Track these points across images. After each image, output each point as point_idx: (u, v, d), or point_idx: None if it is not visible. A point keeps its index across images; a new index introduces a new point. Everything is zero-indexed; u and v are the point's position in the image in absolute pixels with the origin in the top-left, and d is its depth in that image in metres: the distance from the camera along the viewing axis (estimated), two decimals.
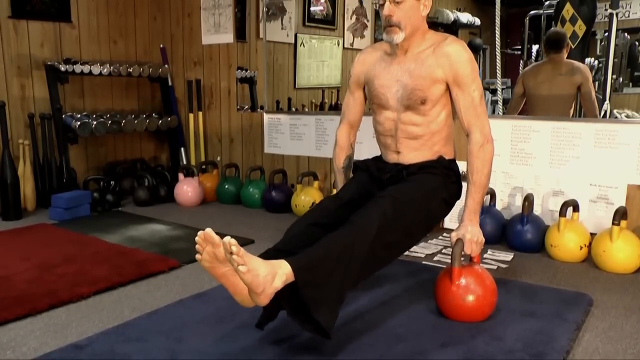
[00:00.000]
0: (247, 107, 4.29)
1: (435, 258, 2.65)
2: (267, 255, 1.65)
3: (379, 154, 2.19)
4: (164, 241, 2.92)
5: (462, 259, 1.88)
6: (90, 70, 3.85)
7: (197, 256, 1.43)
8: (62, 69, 3.72)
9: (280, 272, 1.46)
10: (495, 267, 2.49)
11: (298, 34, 4.79)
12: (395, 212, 1.74)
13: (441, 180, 1.96)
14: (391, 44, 1.96)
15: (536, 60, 4.53)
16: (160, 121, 4.23)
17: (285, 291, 1.49)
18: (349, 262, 1.60)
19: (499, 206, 3.00)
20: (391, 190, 1.84)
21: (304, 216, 1.89)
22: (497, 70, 3.36)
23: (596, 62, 4.29)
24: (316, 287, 1.53)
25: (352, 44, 5.33)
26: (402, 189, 1.87)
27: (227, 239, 1.36)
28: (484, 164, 1.91)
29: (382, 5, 1.90)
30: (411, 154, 2.01)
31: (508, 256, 2.66)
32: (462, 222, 1.92)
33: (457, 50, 1.90)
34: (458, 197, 2.04)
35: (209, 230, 1.39)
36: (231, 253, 1.35)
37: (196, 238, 1.41)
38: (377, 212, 1.70)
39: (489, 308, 1.88)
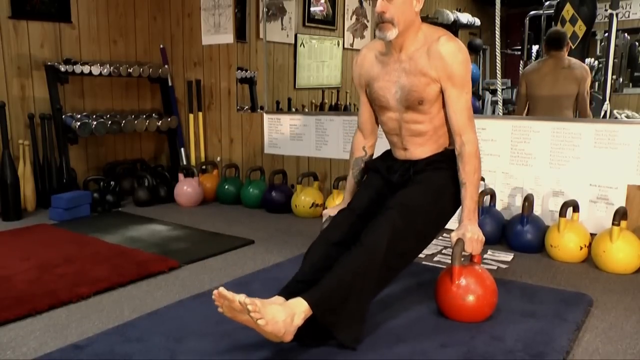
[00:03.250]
0: (247, 107, 4.29)
1: (436, 258, 2.65)
2: (288, 289, 1.71)
3: (388, 148, 2.20)
4: (164, 241, 2.92)
5: (463, 258, 1.88)
6: (90, 71, 3.85)
7: (219, 310, 1.54)
8: (62, 69, 3.72)
9: (298, 312, 1.55)
10: (495, 268, 2.49)
11: (298, 35, 4.79)
12: (405, 221, 1.76)
13: (449, 174, 1.96)
14: (384, 40, 1.93)
15: (536, 60, 4.53)
16: (160, 121, 4.23)
17: (305, 322, 1.57)
18: (364, 284, 1.67)
19: (499, 206, 3.00)
20: (400, 198, 1.84)
21: (321, 236, 1.91)
22: (497, 71, 3.36)
23: (596, 62, 4.29)
24: (334, 313, 1.61)
25: (352, 45, 5.34)
26: (410, 193, 1.87)
27: (241, 298, 1.45)
28: (478, 162, 1.93)
29: (375, 1, 1.88)
30: (418, 150, 2.03)
31: (508, 256, 2.66)
32: (461, 222, 1.92)
33: (451, 52, 1.88)
34: None
35: (221, 289, 1.49)
36: (248, 311, 1.44)
37: (212, 296, 1.52)
38: (386, 227, 1.72)
39: (489, 308, 1.88)
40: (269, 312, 1.48)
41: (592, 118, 3.34)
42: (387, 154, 2.18)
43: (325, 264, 1.73)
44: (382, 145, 2.22)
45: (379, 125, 2.19)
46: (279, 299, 1.62)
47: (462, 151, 1.92)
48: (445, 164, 1.97)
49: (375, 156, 2.24)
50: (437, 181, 1.94)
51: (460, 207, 1.94)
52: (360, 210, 1.95)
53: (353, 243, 1.74)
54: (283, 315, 1.51)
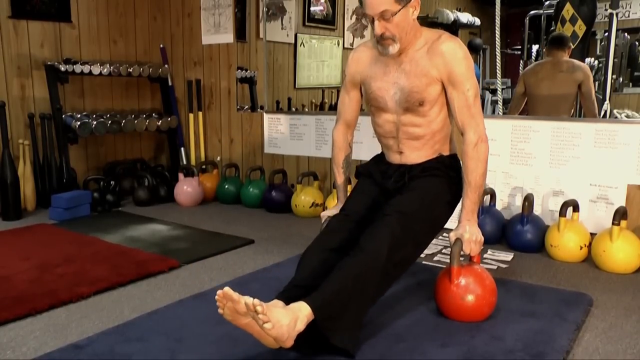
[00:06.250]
0: (247, 107, 4.29)
1: (435, 258, 2.65)
2: (286, 293, 1.69)
3: (378, 152, 2.18)
4: (164, 241, 2.92)
5: (462, 258, 1.88)
6: (90, 70, 3.85)
7: (219, 311, 1.48)
8: (62, 69, 3.72)
9: (301, 316, 1.53)
10: (495, 267, 2.49)
11: (298, 34, 4.79)
12: (403, 228, 1.75)
13: (444, 183, 1.95)
14: (387, 55, 1.92)
15: (536, 60, 4.53)
16: (160, 121, 4.22)
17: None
18: (364, 290, 1.66)
19: (499, 206, 3.00)
20: (396, 205, 1.84)
21: (316, 241, 1.89)
22: (497, 70, 3.36)
23: (596, 62, 4.29)
24: (335, 319, 1.59)
25: (352, 44, 5.33)
26: (407, 200, 1.86)
27: (250, 300, 1.41)
28: (479, 163, 1.89)
29: (373, 22, 1.86)
30: (414, 154, 2.01)
31: (508, 256, 2.66)
32: (460, 222, 1.91)
33: (451, 49, 1.86)
34: (461, 195, 2.03)
35: (227, 289, 1.44)
36: (256, 312, 1.41)
37: (216, 297, 1.46)
38: (386, 234, 1.72)
39: (489, 308, 1.88)
40: (274, 316, 1.46)
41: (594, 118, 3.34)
42: (379, 158, 2.15)
43: (324, 270, 1.71)
44: (371, 149, 2.21)
45: (373, 128, 2.16)
46: (278, 302, 1.59)
47: (462, 149, 1.93)
48: (441, 171, 1.96)
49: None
50: (432, 189, 1.92)
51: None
52: (357, 217, 1.93)
53: (351, 249, 1.73)
54: (287, 320, 1.48)
